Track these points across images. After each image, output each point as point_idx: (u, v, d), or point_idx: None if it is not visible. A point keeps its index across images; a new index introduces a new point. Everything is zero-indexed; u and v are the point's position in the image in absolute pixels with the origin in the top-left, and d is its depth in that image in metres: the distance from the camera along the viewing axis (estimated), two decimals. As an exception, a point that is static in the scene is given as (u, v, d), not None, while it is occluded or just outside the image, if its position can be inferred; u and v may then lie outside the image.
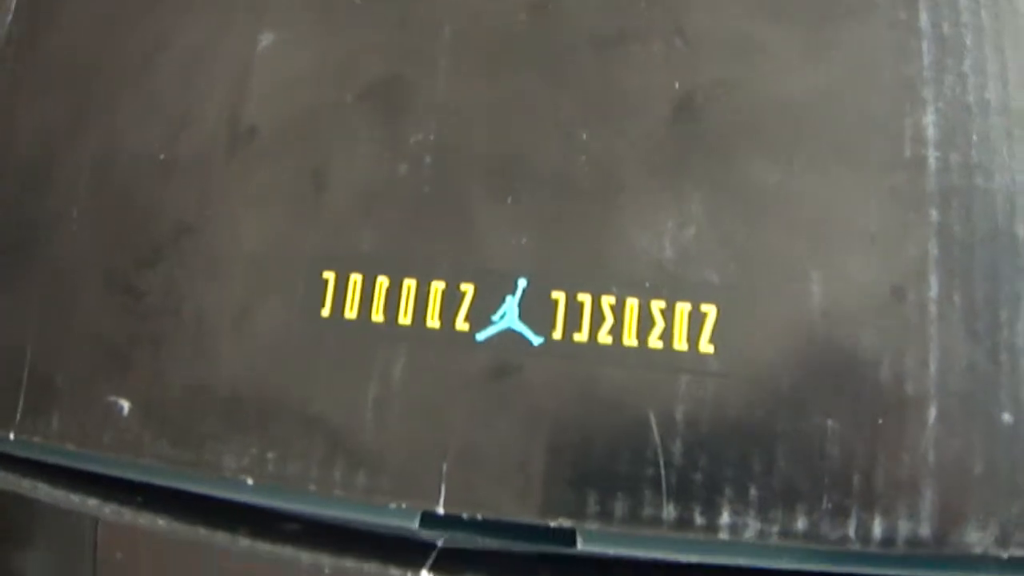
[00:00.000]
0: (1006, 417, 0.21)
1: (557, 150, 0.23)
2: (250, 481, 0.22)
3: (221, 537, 0.23)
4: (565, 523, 0.21)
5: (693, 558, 0.21)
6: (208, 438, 0.22)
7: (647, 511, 0.21)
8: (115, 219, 0.25)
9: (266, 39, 0.25)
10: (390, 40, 0.24)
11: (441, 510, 0.21)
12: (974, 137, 0.22)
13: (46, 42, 0.28)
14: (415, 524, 0.22)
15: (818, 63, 0.23)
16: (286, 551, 0.22)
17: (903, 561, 0.21)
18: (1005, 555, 0.20)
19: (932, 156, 0.22)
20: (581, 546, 0.21)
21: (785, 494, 0.21)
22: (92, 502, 0.24)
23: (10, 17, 0.28)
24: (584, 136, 0.23)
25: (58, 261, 0.25)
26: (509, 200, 0.23)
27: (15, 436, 0.24)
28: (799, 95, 0.23)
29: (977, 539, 0.21)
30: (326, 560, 0.22)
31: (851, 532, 0.20)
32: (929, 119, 0.23)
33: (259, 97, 0.25)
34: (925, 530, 0.21)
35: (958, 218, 0.22)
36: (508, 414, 0.22)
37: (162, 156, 0.25)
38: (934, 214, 0.22)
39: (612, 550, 0.21)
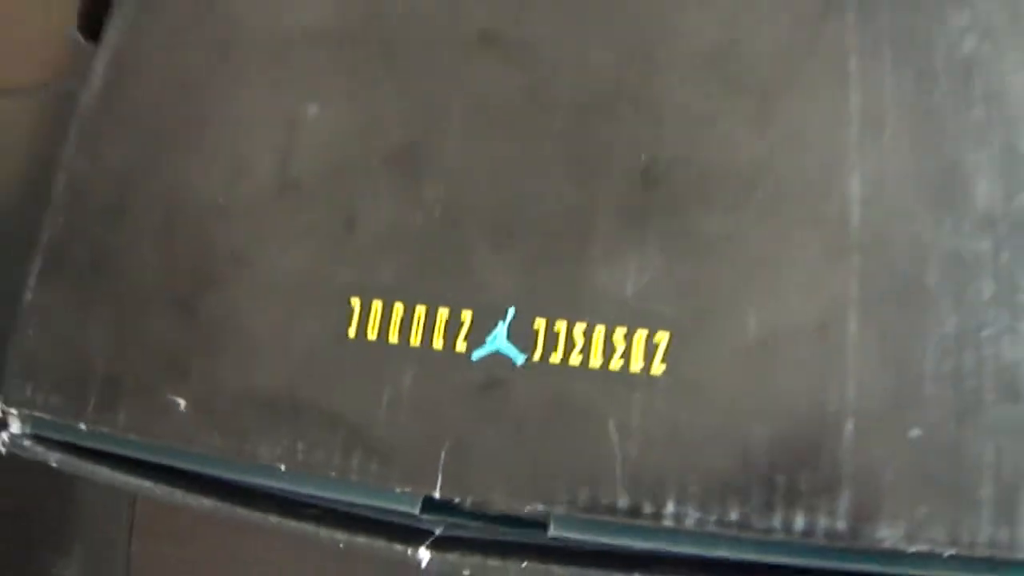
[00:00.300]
0: (914, 432, 0.25)
1: (543, 205, 0.28)
2: (282, 467, 0.27)
3: (255, 516, 0.27)
4: (539, 507, 0.25)
5: (647, 545, 0.26)
6: (249, 432, 0.27)
7: (605, 500, 0.25)
8: (180, 250, 0.30)
9: (309, 107, 0.31)
10: (410, 111, 0.30)
11: (437, 494, 0.26)
12: (893, 196, 0.27)
13: (128, 98, 0.34)
14: (417, 508, 0.26)
15: (762, 133, 0.28)
16: (308, 528, 0.27)
17: (823, 552, 0.25)
18: (911, 550, 0.25)
19: (857, 212, 0.27)
20: (553, 531, 0.26)
21: (721, 490, 0.25)
22: (147, 484, 0.28)
23: (100, 77, 0.34)
24: (565, 194, 0.28)
25: (130, 283, 0.30)
26: (503, 245, 0.28)
27: (86, 427, 0.29)
28: (744, 162, 0.28)
29: (887, 535, 0.25)
30: (341, 536, 0.27)
31: (777, 524, 0.25)
32: (855, 181, 0.27)
33: (302, 155, 0.30)
34: (842, 525, 0.25)
35: (876, 266, 0.26)
36: (495, 419, 0.26)
37: (220, 200, 0.30)
38: (856, 262, 0.27)
39: (578, 535, 0.26)
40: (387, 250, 0.29)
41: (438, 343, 0.27)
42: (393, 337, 0.28)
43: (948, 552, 0.24)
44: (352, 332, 0.28)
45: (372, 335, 0.28)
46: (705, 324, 0.26)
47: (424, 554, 0.26)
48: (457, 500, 0.26)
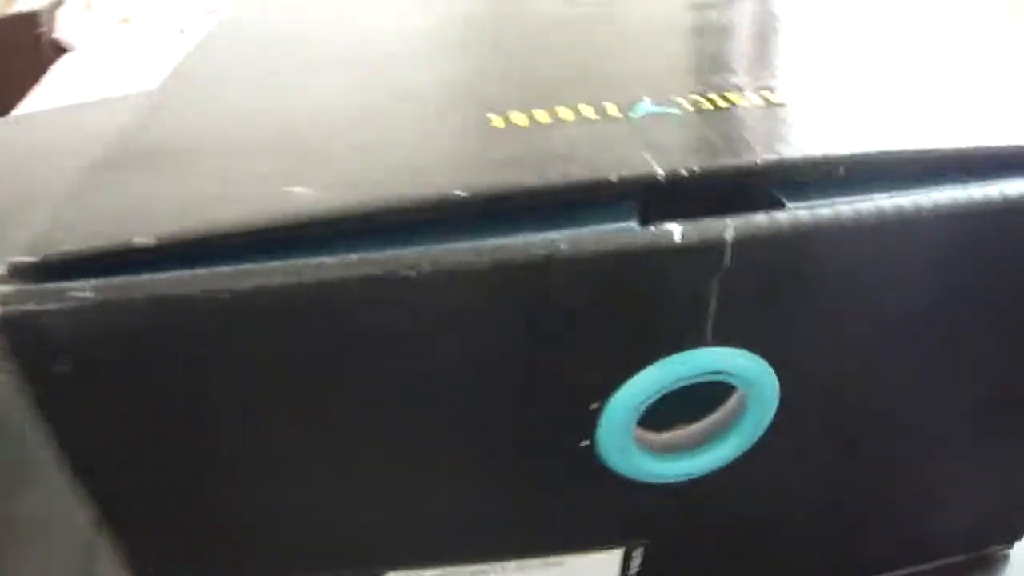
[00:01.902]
0: None
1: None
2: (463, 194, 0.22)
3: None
4: (771, 156, 0.23)
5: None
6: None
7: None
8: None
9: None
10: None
11: (660, 171, 0.22)
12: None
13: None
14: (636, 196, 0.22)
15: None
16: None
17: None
18: None
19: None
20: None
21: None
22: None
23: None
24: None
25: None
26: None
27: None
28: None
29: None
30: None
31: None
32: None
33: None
34: None
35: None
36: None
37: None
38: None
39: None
40: (514, 90, 0.29)
41: (590, 115, 0.27)
42: (541, 118, 0.26)
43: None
44: (496, 123, 0.26)
45: (517, 121, 0.26)
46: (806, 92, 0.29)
47: (673, 226, 0.21)
48: (684, 171, 0.23)
